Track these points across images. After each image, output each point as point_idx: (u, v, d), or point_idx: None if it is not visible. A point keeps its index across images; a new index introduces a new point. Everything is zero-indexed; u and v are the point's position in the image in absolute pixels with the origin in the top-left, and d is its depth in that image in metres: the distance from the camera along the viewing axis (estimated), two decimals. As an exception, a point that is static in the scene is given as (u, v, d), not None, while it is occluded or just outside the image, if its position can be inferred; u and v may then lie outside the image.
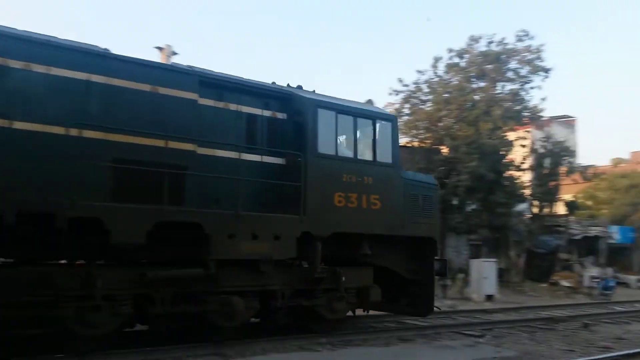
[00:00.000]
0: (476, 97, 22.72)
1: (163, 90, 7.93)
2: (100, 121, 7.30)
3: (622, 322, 13.32)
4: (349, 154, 9.28)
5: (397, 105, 23.61)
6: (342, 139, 9.27)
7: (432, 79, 23.66)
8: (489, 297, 17.87)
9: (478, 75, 23.41)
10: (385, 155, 9.50)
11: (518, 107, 23.29)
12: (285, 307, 8.66)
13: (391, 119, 10.08)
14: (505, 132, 22.32)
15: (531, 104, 23.63)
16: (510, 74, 23.54)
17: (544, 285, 23.82)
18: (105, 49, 7.84)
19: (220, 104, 8.66)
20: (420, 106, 23.58)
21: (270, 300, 8.46)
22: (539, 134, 25.93)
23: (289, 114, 9.16)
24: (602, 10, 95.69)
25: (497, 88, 23.55)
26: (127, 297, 7.40)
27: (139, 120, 7.62)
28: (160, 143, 7.76)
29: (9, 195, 6.40)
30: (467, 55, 23.37)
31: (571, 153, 25.03)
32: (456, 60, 23.47)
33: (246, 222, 8.02)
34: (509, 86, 23.73)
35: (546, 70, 23.25)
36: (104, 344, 7.27)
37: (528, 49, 23.23)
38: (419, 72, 23.74)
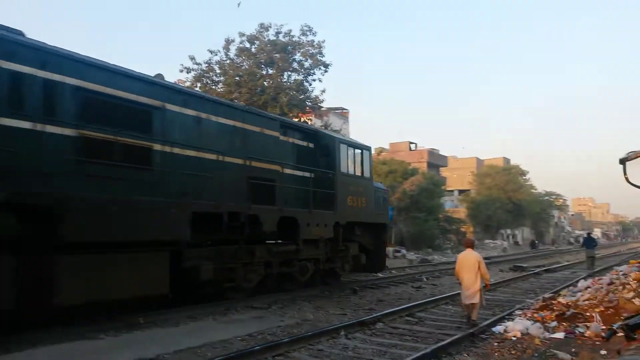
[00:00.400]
0: (265, 83, 24.54)
1: (266, 132, 12.33)
2: (241, 152, 11.43)
3: (382, 287, 15.93)
4: (353, 172, 14.81)
5: (188, 83, 23.77)
6: (349, 162, 14.73)
7: (224, 60, 24.73)
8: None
9: (267, 62, 24.83)
10: (367, 172, 15.46)
11: (302, 97, 25.34)
12: (325, 270, 13.88)
13: (369, 148, 15.97)
14: (290, 118, 24.35)
15: (313, 94, 25.87)
16: (295, 65, 25.31)
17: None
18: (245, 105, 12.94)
19: (284, 138, 13.26)
20: (213, 87, 24.64)
21: (317, 264, 13.55)
22: (319, 123, 28.79)
23: (315, 145, 14.20)
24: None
25: (284, 77, 25.33)
26: (263, 262, 11.77)
27: (256, 151, 11.86)
28: (265, 166, 12.06)
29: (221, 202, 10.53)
30: (257, 42, 24.79)
31: None
32: (247, 45, 24.80)
33: (314, 216, 13.00)
34: (295, 76, 25.57)
35: (326, 65, 25.36)
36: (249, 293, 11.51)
37: (311, 43, 25.14)
38: (211, 52, 24.63)
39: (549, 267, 23.91)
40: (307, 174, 13.53)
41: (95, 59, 8.87)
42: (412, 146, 59.76)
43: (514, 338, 8.73)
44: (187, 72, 24.33)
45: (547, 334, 8.89)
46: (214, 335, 8.60)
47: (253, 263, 11.40)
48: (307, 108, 26.50)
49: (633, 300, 9.56)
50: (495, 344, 8.40)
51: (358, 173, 15.03)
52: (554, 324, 9.41)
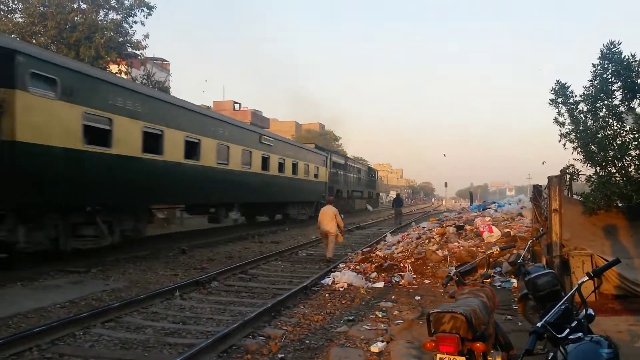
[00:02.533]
0: (77, 19, 21.95)
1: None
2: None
3: (211, 246, 15.57)
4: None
5: None
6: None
7: None
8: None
9: (83, -5, 21.83)
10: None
11: (121, 39, 23.19)
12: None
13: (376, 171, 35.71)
14: (107, 62, 22.83)
15: (134, 39, 23.72)
16: (114, 3, 23.08)
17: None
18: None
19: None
20: (8, 15, 21.66)
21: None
22: (139, 72, 26.05)
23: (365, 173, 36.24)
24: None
25: (100, 14, 23.19)
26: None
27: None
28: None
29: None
30: None
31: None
32: None
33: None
34: (113, 15, 23.36)
35: (149, 8, 23.31)
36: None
37: None
38: None
39: (359, 225, 26.31)
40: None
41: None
42: (237, 106, 59.25)
43: (341, 289, 9.43)
44: None
45: (369, 284, 9.79)
46: (26, 303, 7.50)
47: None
48: (126, 53, 24.02)
49: (437, 252, 11.06)
50: (327, 295, 8.98)
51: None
52: (374, 274, 10.40)
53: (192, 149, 15.10)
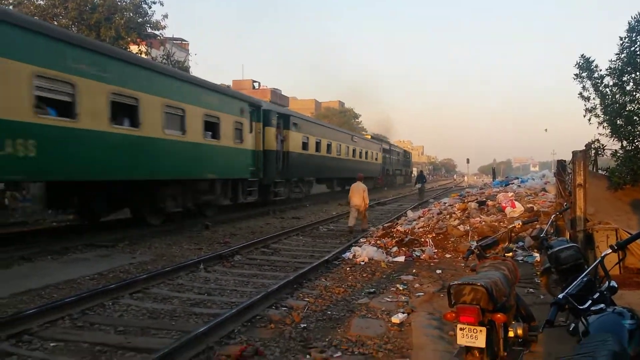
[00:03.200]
0: (97, 1, 22.12)
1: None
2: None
3: (234, 221, 15.91)
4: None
5: None
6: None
7: None
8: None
9: (99, -25, 22.69)
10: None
11: (140, 20, 23.11)
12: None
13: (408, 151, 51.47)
14: (128, 43, 22.80)
15: (153, 19, 23.60)
16: None
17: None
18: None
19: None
20: None
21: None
22: (158, 53, 26.07)
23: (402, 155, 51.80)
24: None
25: None
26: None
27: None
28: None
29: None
30: None
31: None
32: None
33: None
34: None
35: None
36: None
37: None
38: None
39: (379, 201, 26.30)
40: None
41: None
42: (256, 85, 59.16)
43: (362, 263, 9.52)
44: None
45: (390, 258, 9.86)
46: (57, 275, 7.77)
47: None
48: (146, 33, 23.85)
49: (458, 227, 11.04)
50: (348, 268, 9.07)
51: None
52: (395, 249, 10.45)
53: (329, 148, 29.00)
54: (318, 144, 26.64)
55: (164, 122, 12.88)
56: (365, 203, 14.09)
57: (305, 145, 24.54)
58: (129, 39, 22.57)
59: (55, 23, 20.39)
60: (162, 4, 24.03)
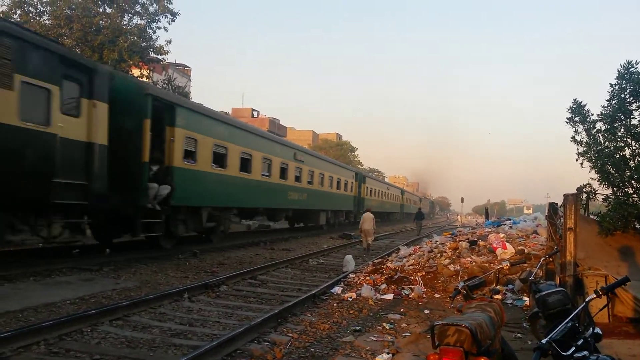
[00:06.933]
0: (102, 23, 22.49)
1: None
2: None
3: (223, 250, 15.74)
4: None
5: (4, 8, 20.89)
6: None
7: None
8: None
9: (105, -1, 23.15)
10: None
11: (144, 44, 23.40)
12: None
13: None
14: (130, 66, 23.10)
15: (157, 44, 23.83)
16: (138, 8, 23.30)
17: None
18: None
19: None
20: (36, 17, 21.75)
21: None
22: (160, 77, 26.43)
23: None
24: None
25: (124, 19, 23.62)
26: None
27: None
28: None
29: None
30: None
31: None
32: None
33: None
34: (137, 20, 23.55)
35: (173, 14, 23.56)
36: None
37: None
38: None
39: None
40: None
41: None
42: (255, 113, 59.69)
43: (350, 299, 9.36)
44: None
45: (378, 295, 9.71)
46: (37, 298, 7.59)
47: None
48: (149, 57, 24.22)
49: (449, 266, 10.94)
50: (335, 304, 8.91)
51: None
52: (384, 286, 10.32)
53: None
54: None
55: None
56: (374, 230, 19.45)
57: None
58: (132, 62, 22.76)
59: (60, 42, 20.03)
60: (166, 30, 24.96)
